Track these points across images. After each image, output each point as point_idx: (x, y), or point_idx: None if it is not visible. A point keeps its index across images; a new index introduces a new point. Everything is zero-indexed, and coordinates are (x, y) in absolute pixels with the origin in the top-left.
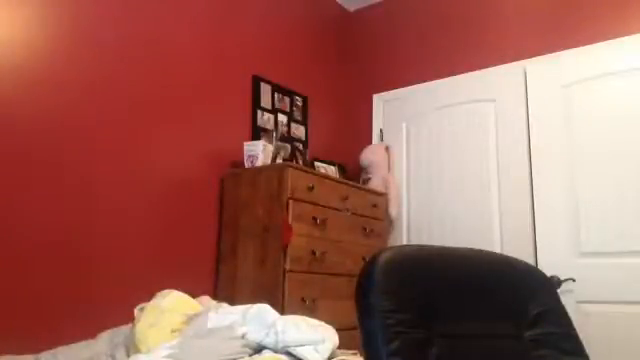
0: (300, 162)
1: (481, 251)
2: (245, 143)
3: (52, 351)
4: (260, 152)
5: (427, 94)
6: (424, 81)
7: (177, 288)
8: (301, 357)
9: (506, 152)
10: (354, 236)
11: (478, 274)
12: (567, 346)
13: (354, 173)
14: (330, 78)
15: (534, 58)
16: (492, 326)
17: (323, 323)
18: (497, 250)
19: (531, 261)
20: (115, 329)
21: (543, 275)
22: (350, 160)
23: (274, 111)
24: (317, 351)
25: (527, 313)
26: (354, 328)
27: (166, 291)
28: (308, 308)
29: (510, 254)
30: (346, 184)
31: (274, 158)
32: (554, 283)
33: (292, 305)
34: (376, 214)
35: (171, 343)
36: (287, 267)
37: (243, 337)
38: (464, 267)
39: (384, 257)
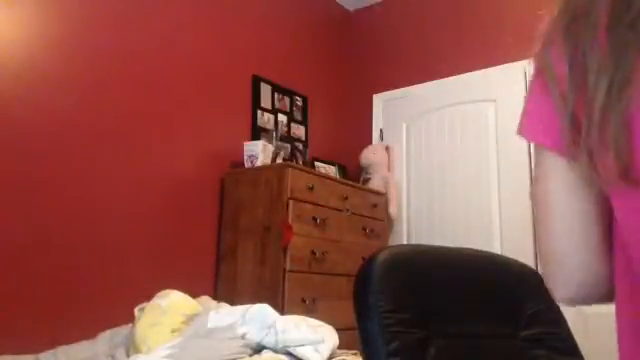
0: (300, 162)
1: (477, 251)
2: (245, 143)
3: (52, 351)
4: (260, 152)
5: (427, 94)
6: (424, 81)
7: (177, 288)
8: (301, 357)
9: (506, 152)
10: (354, 236)
11: (476, 274)
12: (562, 346)
13: (354, 173)
14: (330, 78)
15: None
16: (489, 326)
17: (323, 323)
18: (497, 250)
19: (531, 261)
20: (115, 329)
21: (538, 275)
22: (350, 160)
23: (274, 111)
24: (317, 351)
25: (523, 313)
26: (354, 328)
27: (166, 291)
28: (308, 308)
29: (510, 254)
30: (346, 184)
31: (274, 158)
32: None
33: (292, 305)
34: (376, 214)
35: (171, 343)
36: (287, 267)
37: (243, 337)
38: (462, 267)
39: (382, 257)
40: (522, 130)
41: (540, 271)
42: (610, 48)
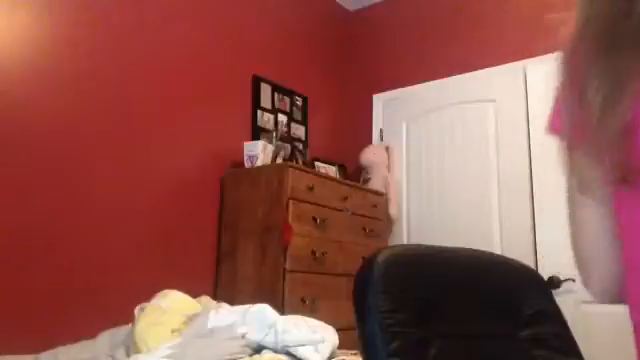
0: (300, 162)
1: (477, 251)
2: (245, 143)
3: (52, 351)
4: (260, 152)
5: (427, 94)
6: (424, 81)
7: (177, 288)
8: (301, 357)
9: (506, 152)
10: (354, 236)
11: (475, 274)
12: (562, 346)
13: (354, 173)
14: (330, 78)
15: (534, 58)
16: (489, 326)
17: (323, 323)
18: (497, 250)
19: (531, 261)
20: (115, 329)
21: (538, 275)
22: (350, 160)
23: (274, 111)
24: (317, 351)
25: (523, 313)
26: (354, 328)
27: (166, 291)
28: (308, 308)
29: (510, 254)
30: (346, 184)
31: (274, 158)
32: (549, 283)
33: (292, 305)
34: (376, 214)
35: (171, 343)
36: (287, 267)
37: (243, 337)
38: (461, 267)
39: (382, 257)
40: (548, 124)
41: (540, 271)
42: (605, 69)
